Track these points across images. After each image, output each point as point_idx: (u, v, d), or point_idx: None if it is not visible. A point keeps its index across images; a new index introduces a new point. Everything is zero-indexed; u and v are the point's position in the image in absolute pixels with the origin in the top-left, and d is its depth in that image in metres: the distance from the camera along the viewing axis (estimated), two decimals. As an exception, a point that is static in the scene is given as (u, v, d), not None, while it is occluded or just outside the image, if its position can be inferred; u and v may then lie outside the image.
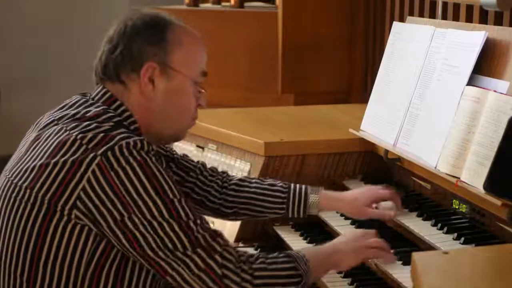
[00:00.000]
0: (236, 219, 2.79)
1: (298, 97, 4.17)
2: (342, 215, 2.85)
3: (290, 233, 2.95)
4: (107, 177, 2.01)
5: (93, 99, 2.20)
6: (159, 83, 2.19)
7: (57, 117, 2.17)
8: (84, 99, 2.21)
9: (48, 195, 2.02)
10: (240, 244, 2.99)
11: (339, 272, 2.50)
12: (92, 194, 2.01)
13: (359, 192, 2.69)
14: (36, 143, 2.13)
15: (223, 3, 4.69)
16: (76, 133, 2.06)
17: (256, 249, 2.92)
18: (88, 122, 2.09)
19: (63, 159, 2.03)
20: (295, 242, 2.86)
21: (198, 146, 3.34)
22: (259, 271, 2.15)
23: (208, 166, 2.73)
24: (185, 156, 2.70)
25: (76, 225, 2.02)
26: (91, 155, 2.01)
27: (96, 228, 2.03)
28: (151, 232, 2.03)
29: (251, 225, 3.03)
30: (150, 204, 2.03)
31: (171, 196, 2.06)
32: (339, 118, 3.47)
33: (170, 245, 2.05)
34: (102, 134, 2.05)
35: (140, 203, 2.02)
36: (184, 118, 2.28)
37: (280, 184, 2.66)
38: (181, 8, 4.73)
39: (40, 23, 6.40)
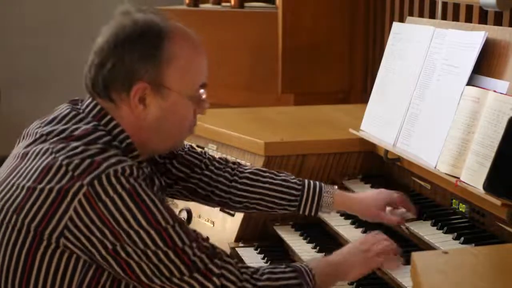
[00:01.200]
0: (245, 212, 2.72)
1: (298, 97, 4.17)
2: (342, 215, 2.85)
3: (290, 233, 2.94)
4: (95, 208, 1.92)
5: (83, 111, 2.10)
6: (151, 102, 2.07)
7: (45, 131, 2.07)
8: (74, 112, 2.10)
9: (35, 223, 1.95)
10: (240, 244, 2.99)
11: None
12: (80, 224, 1.93)
13: (372, 194, 2.64)
14: (25, 161, 2.04)
15: (223, 3, 4.69)
16: (62, 157, 1.97)
17: (256, 249, 2.92)
18: (74, 144, 1.99)
19: (49, 186, 1.95)
20: (295, 242, 2.85)
21: (198, 146, 3.34)
22: None
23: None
24: (190, 149, 2.59)
25: (64, 252, 1.96)
26: (78, 184, 1.93)
27: (86, 256, 1.97)
28: (146, 261, 1.97)
29: (251, 225, 3.03)
30: (143, 234, 1.95)
31: (163, 224, 1.97)
32: (339, 118, 3.47)
33: (166, 273, 1.98)
34: (88, 160, 1.95)
35: (132, 233, 1.94)
36: (180, 132, 2.19)
37: (294, 180, 2.58)
38: (181, 8, 4.73)
39: (40, 23, 6.39)
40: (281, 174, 2.61)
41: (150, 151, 2.18)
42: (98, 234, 1.94)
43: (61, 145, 2.00)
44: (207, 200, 2.59)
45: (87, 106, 2.11)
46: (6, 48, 6.38)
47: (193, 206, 3.05)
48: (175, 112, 2.12)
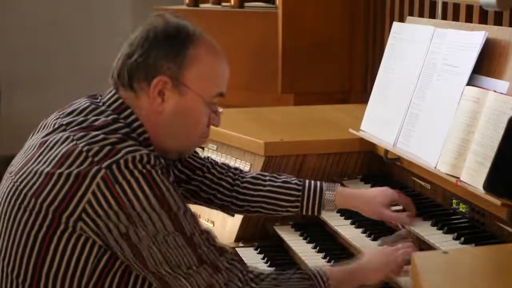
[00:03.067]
0: (247, 215, 2.74)
1: (298, 97, 4.17)
2: (342, 215, 2.85)
3: (290, 233, 2.95)
4: (111, 190, 1.98)
5: (103, 103, 2.16)
6: (169, 97, 2.14)
7: (65, 122, 2.13)
8: (93, 106, 2.16)
9: (53, 207, 1.99)
10: (240, 244, 2.99)
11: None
12: (97, 207, 1.98)
13: (377, 191, 2.64)
14: (43, 148, 2.10)
15: (223, 3, 4.69)
16: (83, 144, 2.03)
17: (256, 249, 2.93)
18: (95, 133, 2.05)
19: (68, 170, 2.00)
20: (295, 242, 2.86)
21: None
22: None
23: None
24: (193, 153, 2.61)
25: (80, 237, 2.00)
26: (96, 168, 1.98)
27: (101, 240, 2.01)
28: (156, 245, 2.01)
29: (251, 225, 3.03)
30: (155, 217, 2.00)
31: (175, 209, 2.02)
32: (339, 118, 3.47)
33: (174, 260, 2.02)
34: (108, 147, 2.01)
35: (144, 216, 1.99)
36: (191, 136, 2.23)
37: (295, 181, 2.60)
38: (181, 8, 4.73)
39: (40, 23, 6.40)
40: (281, 177, 2.63)
41: (160, 151, 2.20)
42: (113, 217, 1.98)
43: (81, 133, 2.06)
44: (209, 203, 2.62)
45: (108, 99, 2.17)
46: (6, 48, 6.38)
47: (193, 206, 3.04)
48: (190, 112, 2.18)
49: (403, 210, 2.61)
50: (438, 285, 1.55)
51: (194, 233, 2.05)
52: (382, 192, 2.62)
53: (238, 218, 3.01)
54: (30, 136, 2.24)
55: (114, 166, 1.99)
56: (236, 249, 2.94)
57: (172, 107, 2.15)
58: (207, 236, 2.09)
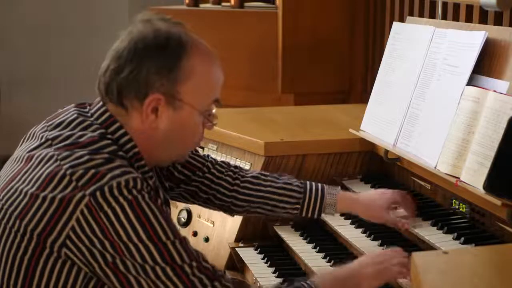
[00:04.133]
0: (247, 215, 2.71)
1: (298, 97, 4.17)
2: (342, 214, 2.85)
3: (290, 233, 2.94)
4: (96, 219, 1.91)
5: (92, 114, 2.09)
6: (163, 113, 2.06)
7: (51, 136, 2.06)
8: (81, 118, 2.08)
9: (37, 231, 1.94)
10: (240, 244, 2.99)
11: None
12: (81, 235, 1.91)
13: (375, 194, 2.63)
14: (29, 165, 2.03)
15: (223, 3, 4.69)
16: (66, 166, 1.95)
17: (256, 249, 2.92)
18: (80, 153, 1.97)
19: (51, 194, 1.93)
20: (295, 242, 2.85)
21: (199, 146, 3.34)
22: None
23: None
24: (195, 151, 2.57)
25: (65, 262, 1.95)
26: (80, 194, 1.91)
27: (86, 267, 1.96)
28: (144, 276, 1.94)
29: (251, 225, 3.03)
30: (142, 248, 1.93)
31: (163, 239, 1.94)
32: (339, 118, 3.47)
33: None
34: (93, 171, 1.93)
35: (131, 247, 1.92)
36: (187, 146, 2.20)
37: (296, 183, 2.58)
38: (181, 8, 4.73)
39: (40, 23, 6.40)
40: (283, 178, 2.61)
41: (153, 163, 2.17)
42: (98, 245, 1.93)
43: (66, 153, 1.99)
44: (208, 203, 2.59)
45: (96, 111, 2.10)
46: (7, 48, 6.38)
47: (193, 206, 3.04)
48: (186, 125, 2.11)
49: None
50: (438, 285, 1.55)
51: (184, 262, 1.97)
52: (381, 195, 2.62)
53: (238, 218, 3.01)
54: (20, 144, 2.18)
55: (98, 193, 1.91)
56: (236, 249, 2.94)
57: (166, 122, 2.07)
58: (197, 262, 1.99)
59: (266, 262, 2.81)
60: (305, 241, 2.85)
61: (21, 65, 6.42)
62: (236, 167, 2.64)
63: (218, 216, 3.05)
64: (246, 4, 4.57)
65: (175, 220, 3.00)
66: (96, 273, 1.96)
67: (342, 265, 2.28)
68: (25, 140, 2.17)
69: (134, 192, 1.93)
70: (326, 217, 2.84)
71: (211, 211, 2.87)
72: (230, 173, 2.59)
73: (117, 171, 1.94)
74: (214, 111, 2.18)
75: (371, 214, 2.60)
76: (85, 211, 1.91)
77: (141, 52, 2.05)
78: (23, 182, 2.01)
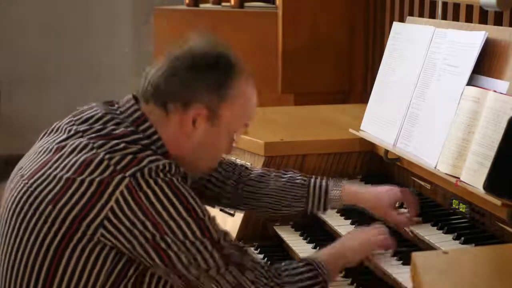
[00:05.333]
0: (253, 212, 2.77)
1: (298, 97, 4.17)
2: (342, 214, 2.85)
3: (290, 233, 2.95)
4: (136, 199, 1.98)
5: (121, 112, 2.14)
6: (201, 125, 2.14)
7: (81, 129, 2.11)
8: (110, 115, 2.13)
9: (73, 213, 1.98)
10: (240, 244, 2.98)
11: (339, 272, 2.50)
12: (121, 215, 1.98)
13: (384, 189, 2.62)
14: (61, 153, 2.07)
15: (223, 3, 4.69)
16: (104, 152, 2.02)
17: (256, 249, 2.93)
18: (116, 141, 2.05)
19: (89, 178, 1.99)
20: (295, 242, 2.86)
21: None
22: (288, 285, 2.18)
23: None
24: None
25: (97, 245, 1.99)
26: (119, 176, 1.98)
27: (122, 246, 2.00)
28: (185, 251, 2.03)
29: (251, 225, 3.03)
30: (182, 224, 2.02)
31: (201, 215, 2.05)
32: (339, 118, 3.47)
33: (203, 264, 2.05)
34: (130, 156, 2.01)
35: (172, 223, 2.01)
36: (211, 161, 2.28)
37: (300, 179, 2.60)
38: (181, 8, 4.73)
39: (40, 23, 6.40)
40: (287, 174, 2.63)
41: None
42: (139, 225, 1.99)
43: (101, 141, 2.06)
44: (214, 202, 2.62)
45: (127, 109, 2.15)
46: (7, 48, 6.38)
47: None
48: (217, 142, 2.20)
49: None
50: (438, 285, 1.55)
51: (220, 237, 2.08)
52: (389, 191, 2.61)
53: (238, 218, 3.01)
54: (40, 138, 2.21)
55: (138, 175, 1.99)
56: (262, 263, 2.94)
57: (201, 135, 2.15)
58: (229, 238, 2.13)
59: (266, 262, 2.81)
60: (305, 241, 2.85)
61: (21, 65, 6.42)
62: (241, 166, 2.67)
63: (218, 216, 3.04)
64: (246, 4, 4.57)
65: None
66: (135, 251, 2.01)
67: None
68: (47, 134, 2.20)
69: (169, 175, 2.03)
70: (326, 217, 2.85)
71: (211, 211, 2.86)
72: (236, 172, 2.63)
73: (153, 157, 2.03)
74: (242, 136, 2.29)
75: (377, 208, 2.60)
76: (125, 191, 1.98)
77: (201, 63, 2.13)
78: (56, 168, 2.05)
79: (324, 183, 2.59)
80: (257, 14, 4.41)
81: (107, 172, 1.99)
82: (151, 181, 2.00)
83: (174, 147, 2.14)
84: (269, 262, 2.78)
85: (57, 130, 2.17)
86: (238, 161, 2.73)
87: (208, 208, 2.69)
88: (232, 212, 3.02)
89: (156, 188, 2.00)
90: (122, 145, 2.04)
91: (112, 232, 1.99)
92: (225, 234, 2.12)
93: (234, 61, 2.18)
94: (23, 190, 2.06)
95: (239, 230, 3.02)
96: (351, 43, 4.18)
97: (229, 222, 3.04)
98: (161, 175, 2.01)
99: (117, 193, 1.98)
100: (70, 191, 2.00)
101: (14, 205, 2.07)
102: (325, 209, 2.60)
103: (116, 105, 2.18)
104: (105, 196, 1.98)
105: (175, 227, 2.01)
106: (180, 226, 2.01)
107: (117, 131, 2.08)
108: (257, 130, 3.22)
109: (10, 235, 2.06)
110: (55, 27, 6.43)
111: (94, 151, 2.03)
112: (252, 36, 4.29)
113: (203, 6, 4.72)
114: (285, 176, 2.62)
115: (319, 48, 4.15)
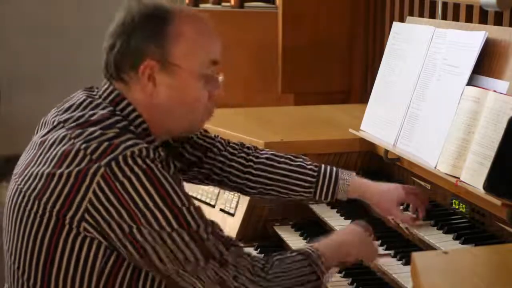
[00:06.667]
0: (261, 197, 2.69)
1: (298, 97, 4.17)
2: (342, 215, 2.85)
3: (290, 233, 2.95)
4: (112, 188, 1.95)
5: (100, 96, 2.13)
6: (161, 80, 2.09)
7: (63, 119, 2.10)
8: (90, 99, 2.12)
9: (56, 208, 1.98)
10: (240, 244, 2.98)
11: (339, 272, 2.50)
12: (99, 206, 1.95)
13: (389, 186, 2.60)
14: (42, 148, 2.08)
15: (223, 3, 4.70)
16: (80, 142, 2.00)
17: (256, 249, 2.92)
18: (92, 129, 2.02)
19: (67, 170, 1.97)
20: (295, 242, 2.85)
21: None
22: (276, 280, 2.11)
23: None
24: (204, 132, 2.58)
25: (85, 238, 1.98)
26: (95, 166, 1.95)
27: (106, 240, 1.99)
28: (160, 243, 1.97)
29: (251, 225, 3.03)
30: (158, 214, 1.96)
31: (179, 204, 1.98)
32: (339, 118, 3.47)
33: (181, 257, 1.99)
34: (106, 143, 1.98)
35: (147, 213, 1.96)
36: (193, 113, 2.17)
37: (310, 166, 2.56)
38: (181, 8, 4.73)
39: (40, 23, 6.40)
40: (297, 160, 2.59)
41: (165, 132, 2.19)
42: (116, 216, 1.96)
43: (78, 131, 2.04)
44: (222, 185, 2.59)
45: (104, 91, 2.14)
46: (6, 48, 6.38)
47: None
48: (185, 90, 2.13)
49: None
50: (438, 285, 1.55)
51: (199, 227, 2.00)
52: (395, 189, 2.59)
53: (238, 218, 3.01)
54: (34, 134, 2.22)
55: (113, 163, 1.95)
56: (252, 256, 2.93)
57: (165, 89, 2.10)
58: (212, 229, 2.04)
59: (260, 254, 2.81)
60: (305, 241, 2.85)
61: (21, 65, 6.41)
62: (250, 147, 2.62)
63: (218, 216, 3.05)
64: (246, 4, 4.58)
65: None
66: (114, 245, 1.99)
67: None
68: (39, 129, 2.21)
69: (148, 161, 1.98)
70: (326, 217, 2.85)
71: (211, 210, 2.87)
72: (243, 154, 2.58)
73: (129, 142, 1.99)
74: (220, 78, 2.19)
75: (381, 205, 2.59)
76: (101, 182, 1.95)
77: (129, 24, 2.11)
78: (39, 164, 2.05)
79: (334, 173, 2.56)
80: (257, 14, 4.42)
81: (84, 163, 1.97)
82: (127, 169, 1.95)
83: (150, 116, 2.11)
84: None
85: (45, 124, 2.19)
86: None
87: (208, 208, 2.71)
88: (232, 212, 3.02)
89: (132, 176, 1.95)
90: (98, 132, 2.01)
91: (93, 224, 1.97)
92: (211, 225, 2.04)
93: (170, 7, 2.12)
94: (14, 189, 2.10)
95: (239, 230, 3.02)
96: (351, 43, 4.18)
97: (229, 222, 3.04)
98: (139, 161, 1.96)
99: (94, 184, 1.95)
100: (52, 186, 1.99)
101: (10, 205, 2.10)
102: (332, 198, 2.58)
103: (96, 90, 2.18)
104: (84, 187, 1.95)
105: (150, 217, 1.96)
106: (155, 215, 1.96)
107: (94, 117, 2.06)
108: (257, 130, 3.22)
109: (11, 234, 2.09)
110: (55, 27, 6.43)
111: (71, 142, 2.02)
112: (252, 36, 4.30)
113: (203, 6, 4.72)
114: (297, 160, 2.59)
115: (319, 48, 4.16)
